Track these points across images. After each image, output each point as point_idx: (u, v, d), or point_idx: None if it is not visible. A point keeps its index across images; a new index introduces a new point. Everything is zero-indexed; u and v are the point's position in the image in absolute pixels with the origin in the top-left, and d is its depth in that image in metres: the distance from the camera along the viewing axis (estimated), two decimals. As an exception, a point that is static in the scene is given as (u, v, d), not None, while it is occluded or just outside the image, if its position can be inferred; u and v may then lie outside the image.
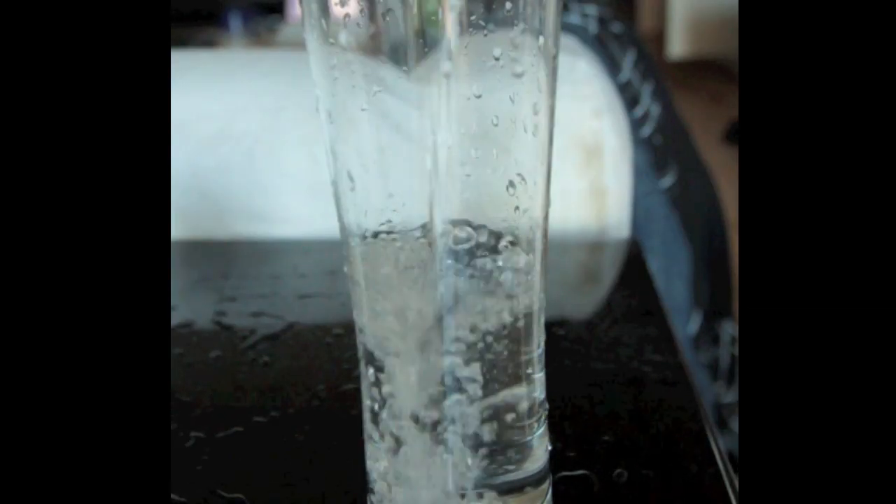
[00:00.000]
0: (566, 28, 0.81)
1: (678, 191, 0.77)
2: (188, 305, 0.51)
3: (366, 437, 0.29)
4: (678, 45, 3.75)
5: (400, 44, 0.24)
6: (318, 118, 0.26)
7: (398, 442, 0.28)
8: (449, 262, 0.26)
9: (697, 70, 3.60)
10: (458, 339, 0.26)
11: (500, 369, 0.27)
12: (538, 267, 0.27)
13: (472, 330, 0.26)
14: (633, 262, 0.56)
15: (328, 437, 0.37)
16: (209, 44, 1.65)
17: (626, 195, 0.61)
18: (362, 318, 0.28)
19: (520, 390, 0.28)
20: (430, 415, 0.27)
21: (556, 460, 0.33)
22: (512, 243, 0.26)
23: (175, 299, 0.51)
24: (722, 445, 0.35)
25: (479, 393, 0.27)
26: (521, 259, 0.27)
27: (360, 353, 0.28)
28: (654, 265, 0.69)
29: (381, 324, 0.27)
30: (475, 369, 0.27)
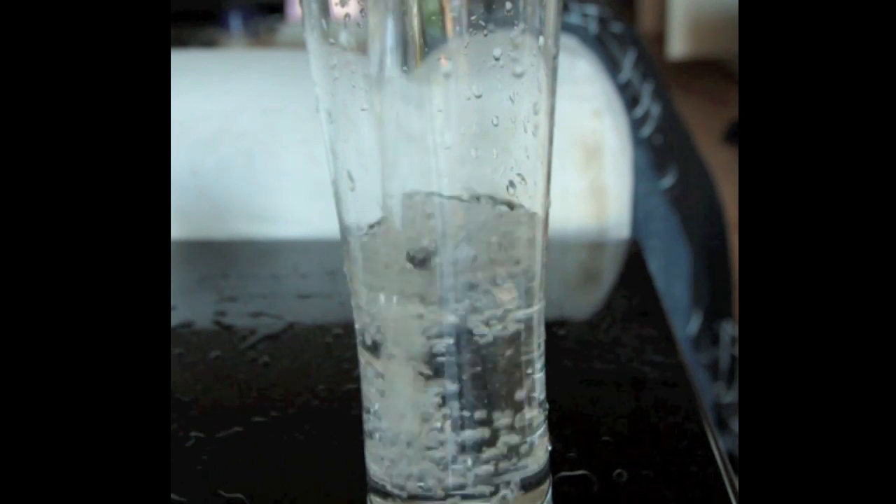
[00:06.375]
0: (566, 28, 0.81)
1: (678, 191, 0.76)
2: (188, 305, 0.51)
3: (366, 436, 0.29)
4: (678, 45, 3.75)
5: (400, 44, 0.24)
6: (318, 118, 0.26)
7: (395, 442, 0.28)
8: (448, 260, 0.26)
9: (697, 70, 3.60)
10: (458, 339, 0.26)
11: (500, 370, 0.27)
12: (538, 267, 0.27)
13: (472, 330, 0.26)
14: (633, 262, 0.56)
15: (328, 437, 0.37)
16: (209, 44, 1.66)
17: (626, 195, 0.61)
18: (361, 317, 0.28)
19: (520, 390, 0.28)
20: (430, 420, 0.27)
21: (556, 460, 0.33)
22: (511, 243, 0.26)
23: (175, 299, 0.51)
24: (722, 445, 0.35)
25: (480, 393, 0.27)
26: (521, 259, 0.27)
27: (360, 351, 0.28)
28: (654, 265, 0.69)
29: (379, 324, 0.27)
30: (475, 370, 0.27)
